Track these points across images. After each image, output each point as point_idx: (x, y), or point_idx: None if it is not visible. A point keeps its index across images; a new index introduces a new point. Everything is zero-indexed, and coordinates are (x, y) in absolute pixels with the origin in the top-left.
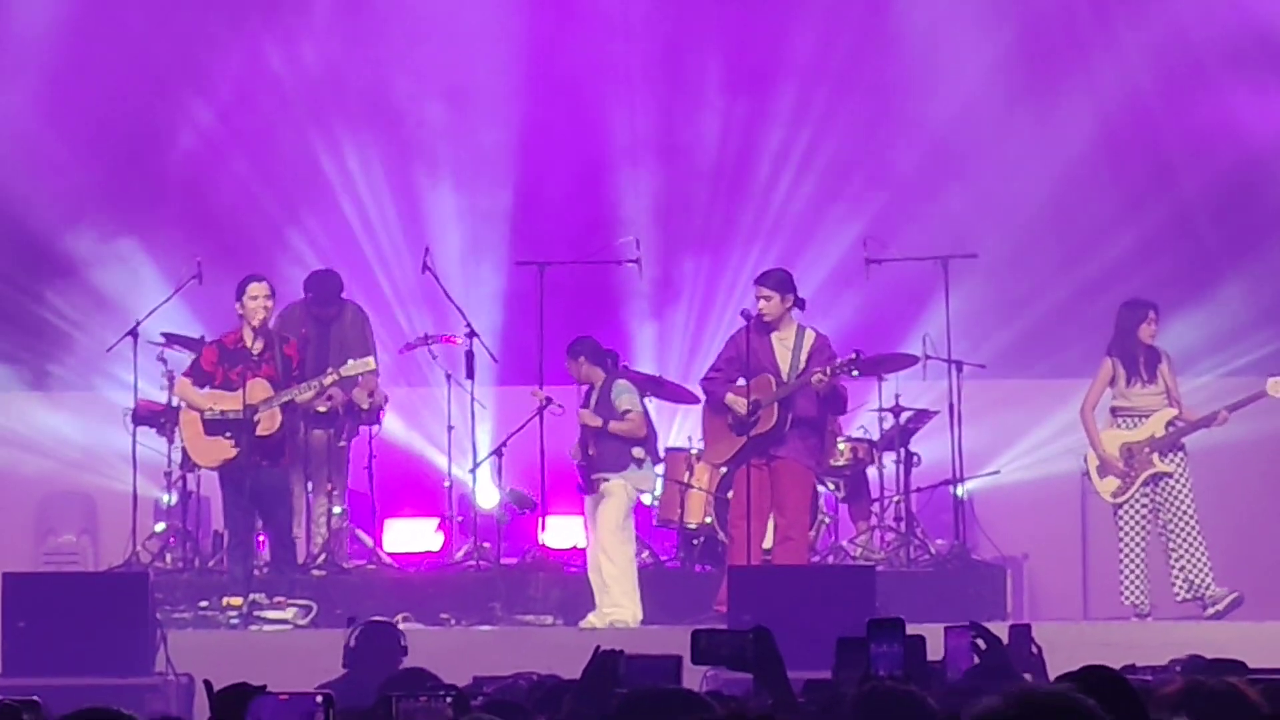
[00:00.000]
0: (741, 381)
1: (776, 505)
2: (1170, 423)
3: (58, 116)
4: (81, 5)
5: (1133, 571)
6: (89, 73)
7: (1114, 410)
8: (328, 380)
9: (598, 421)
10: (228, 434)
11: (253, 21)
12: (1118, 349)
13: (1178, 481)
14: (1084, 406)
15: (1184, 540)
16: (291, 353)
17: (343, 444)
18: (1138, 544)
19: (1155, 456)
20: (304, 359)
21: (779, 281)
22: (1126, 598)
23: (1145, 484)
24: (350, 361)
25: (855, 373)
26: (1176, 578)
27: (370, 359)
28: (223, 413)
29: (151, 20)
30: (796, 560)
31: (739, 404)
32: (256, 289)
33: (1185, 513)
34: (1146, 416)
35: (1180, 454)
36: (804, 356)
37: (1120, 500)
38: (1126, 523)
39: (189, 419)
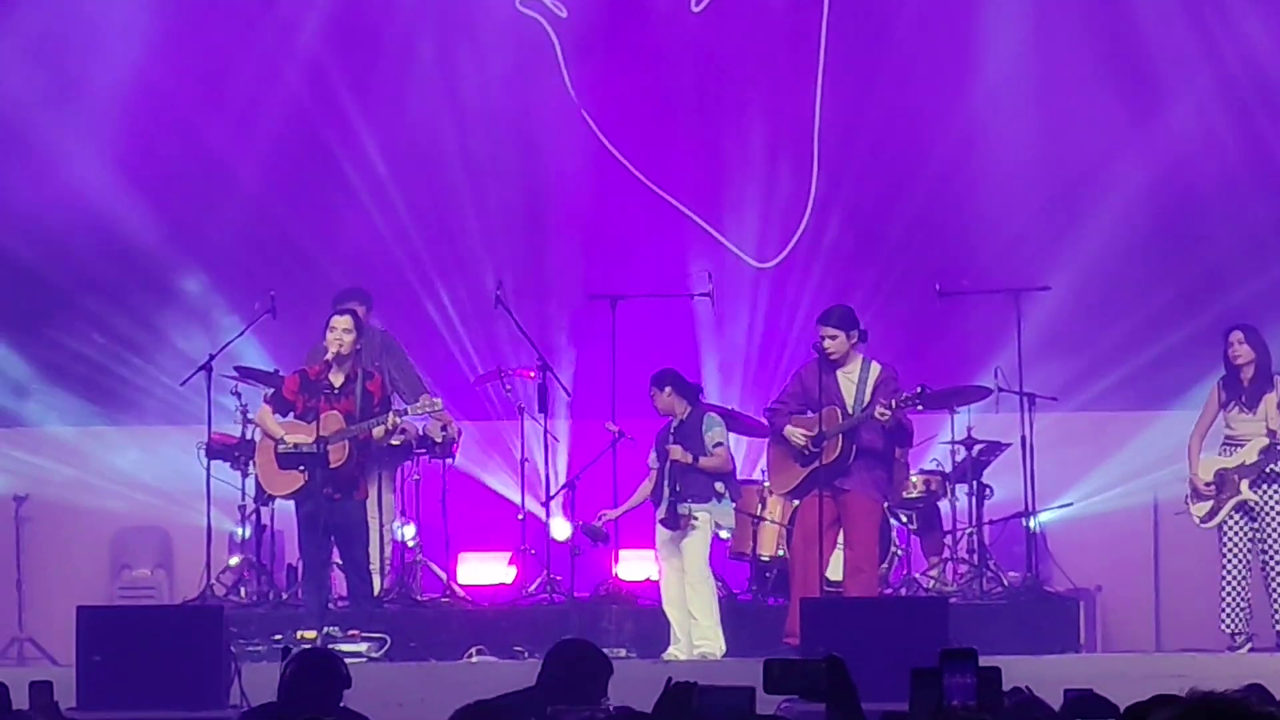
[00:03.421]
0: (809, 414)
1: (846, 538)
2: (1263, 450)
3: (131, 149)
4: (155, 42)
5: (1231, 598)
6: (159, 105)
7: (1225, 438)
8: (393, 420)
9: (689, 458)
10: (301, 468)
11: (324, 59)
12: (1225, 374)
13: (1272, 512)
14: (1193, 432)
15: None
16: (374, 389)
17: (417, 478)
18: (1237, 571)
19: (1244, 484)
20: (386, 395)
21: (841, 318)
22: (1225, 625)
23: (1240, 512)
24: (423, 399)
25: (920, 406)
26: (1278, 609)
27: (438, 400)
28: (296, 446)
29: (222, 56)
30: (868, 593)
31: (795, 436)
32: (338, 321)
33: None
34: (1246, 444)
35: (1275, 486)
36: (869, 389)
37: (1209, 526)
38: (1227, 549)
39: (264, 448)
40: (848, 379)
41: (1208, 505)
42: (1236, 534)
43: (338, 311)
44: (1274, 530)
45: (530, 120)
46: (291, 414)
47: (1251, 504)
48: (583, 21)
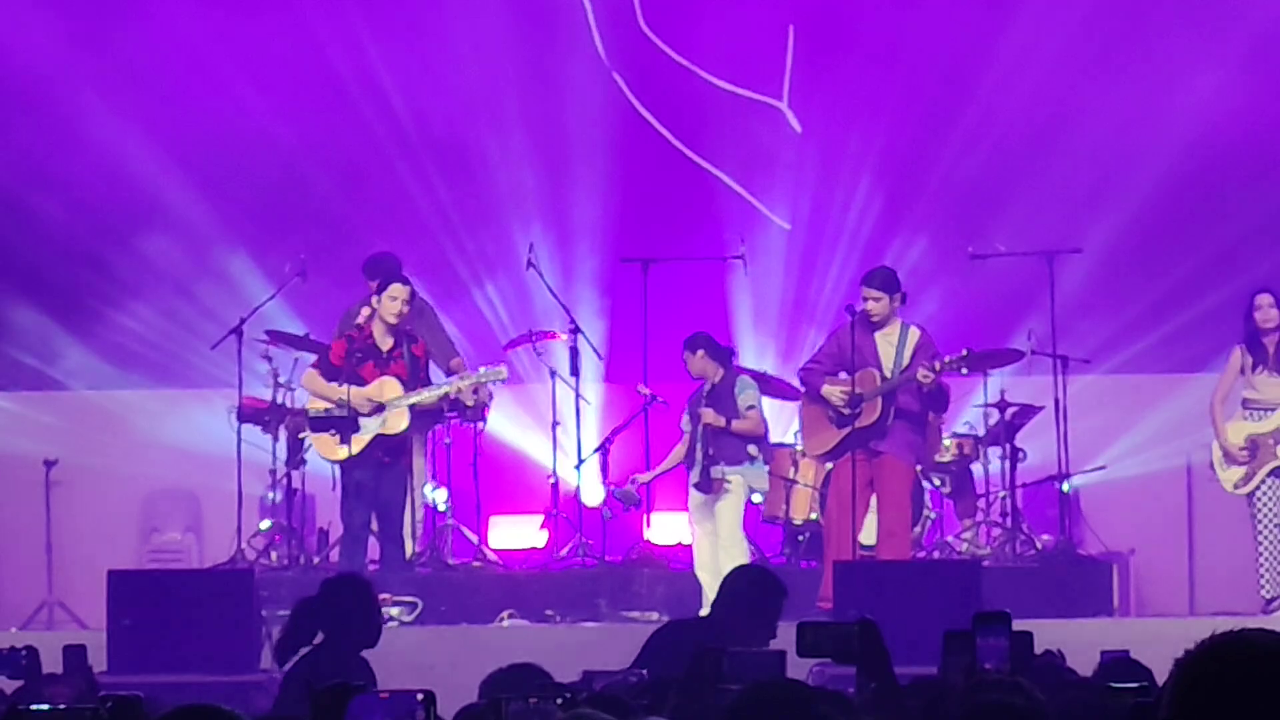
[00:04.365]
0: (843, 375)
1: (880, 501)
2: None
3: (165, 115)
4: (192, 9)
5: (1268, 561)
6: (195, 79)
7: (1244, 401)
8: (457, 386)
9: (721, 421)
10: (332, 431)
11: (358, 29)
12: (1246, 337)
13: None
14: (1214, 396)
15: None
16: (419, 353)
17: (448, 441)
18: (1271, 535)
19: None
20: (429, 360)
21: (885, 280)
22: (1264, 590)
23: (1273, 475)
24: (482, 369)
25: (964, 370)
26: None
27: (503, 368)
28: (327, 410)
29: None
30: (900, 556)
31: (835, 395)
32: (398, 290)
33: None
34: (1273, 409)
35: None
36: (908, 353)
37: (1244, 491)
38: (1262, 514)
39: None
40: (886, 341)
41: (1241, 471)
42: (1270, 497)
43: (397, 279)
44: None
45: (561, 83)
46: (336, 380)
47: None
48: None
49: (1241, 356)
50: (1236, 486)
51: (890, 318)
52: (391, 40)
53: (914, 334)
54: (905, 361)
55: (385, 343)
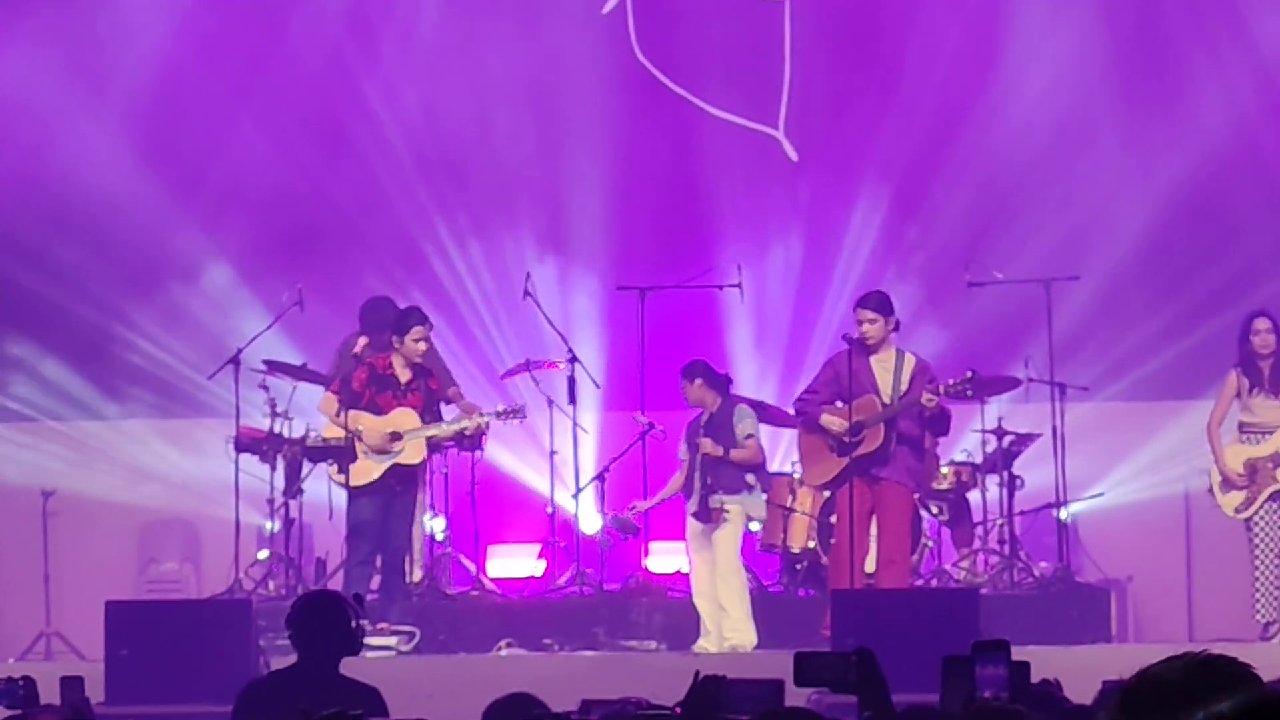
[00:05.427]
0: (839, 404)
1: (881, 528)
2: None
3: (157, 142)
4: (180, 34)
5: (1264, 587)
6: (186, 104)
7: (1241, 425)
8: (474, 422)
9: (719, 450)
10: (330, 461)
11: (351, 58)
12: (1242, 361)
13: None
14: (1210, 421)
15: None
16: (435, 386)
17: (445, 470)
18: (1268, 560)
19: (1279, 473)
20: (444, 395)
21: (880, 304)
22: (1259, 615)
23: (1271, 500)
24: (500, 407)
25: (969, 392)
26: None
27: (523, 407)
28: (324, 440)
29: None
30: (901, 583)
31: (835, 424)
32: (420, 332)
33: None
34: (1271, 432)
35: None
36: (905, 379)
37: (1244, 516)
38: (1259, 539)
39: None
40: (882, 367)
41: (1241, 495)
42: (1269, 522)
43: (419, 321)
44: None
45: (558, 110)
46: (356, 407)
47: None
48: None
49: (1237, 380)
50: (1237, 511)
51: (885, 342)
52: (387, 71)
53: (910, 360)
54: (904, 387)
55: (404, 375)
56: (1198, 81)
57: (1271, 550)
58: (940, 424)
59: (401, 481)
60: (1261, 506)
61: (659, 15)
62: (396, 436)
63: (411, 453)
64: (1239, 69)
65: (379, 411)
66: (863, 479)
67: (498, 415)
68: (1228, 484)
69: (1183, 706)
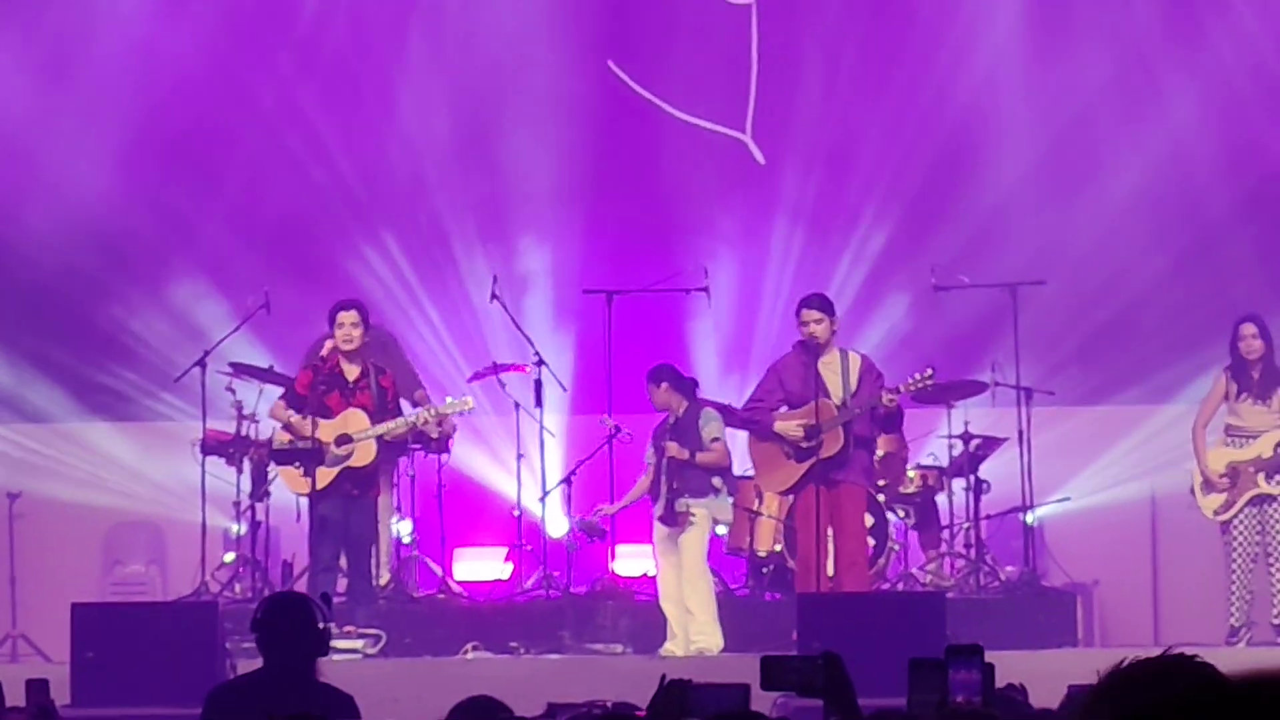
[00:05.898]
0: (784, 409)
1: (839, 529)
2: (1279, 444)
3: (125, 143)
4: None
5: (1239, 590)
6: (158, 97)
7: (1227, 428)
8: (423, 417)
9: (685, 454)
10: (296, 464)
11: (318, 57)
12: (1233, 365)
13: None
14: (1196, 422)
15: None
16: (387, 384)
17: (412, 474)
18: (1244, 564)
19: (1260, 478)
20: (398, 392)
21: (823, 303)
22: (1234, 618)
23: (1251, 504)
24: (449, 400)
25: (929, 386)
26: (1278, 602)
27: (469, 399)
28: (290, 443)
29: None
30: (863, 585)
31: (791, 430)
32: (344, 316)
33: None
34: (1256, 436)
35: None
36: (854, 379)
37: (1223, 519)
38: (1236, 542)
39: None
40: (829, 369)
41: (1221, 498)
42: (1247, 526)
43: (343, 306)
44: None
45: (523, 116)
46: (303, 411)
47: (1268, 496)
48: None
49: (1227, 383)
50: (1216, 513)
51: (830, 343)
52: (354, 73)
53: (855, 359)
54: (853, 387)
55: (351, 373)
56: (1166, 83)
57: (1247, 555)
58: (892, 422)
59: (357, 484)
60: (1240, 510)
61: (626, 19)
62: (345, 439)
63: (362, 454)
64: (1209, 71)
65: (329, 412)
66: (822, 483)
67: (445, 408)
68: (1209, 486)
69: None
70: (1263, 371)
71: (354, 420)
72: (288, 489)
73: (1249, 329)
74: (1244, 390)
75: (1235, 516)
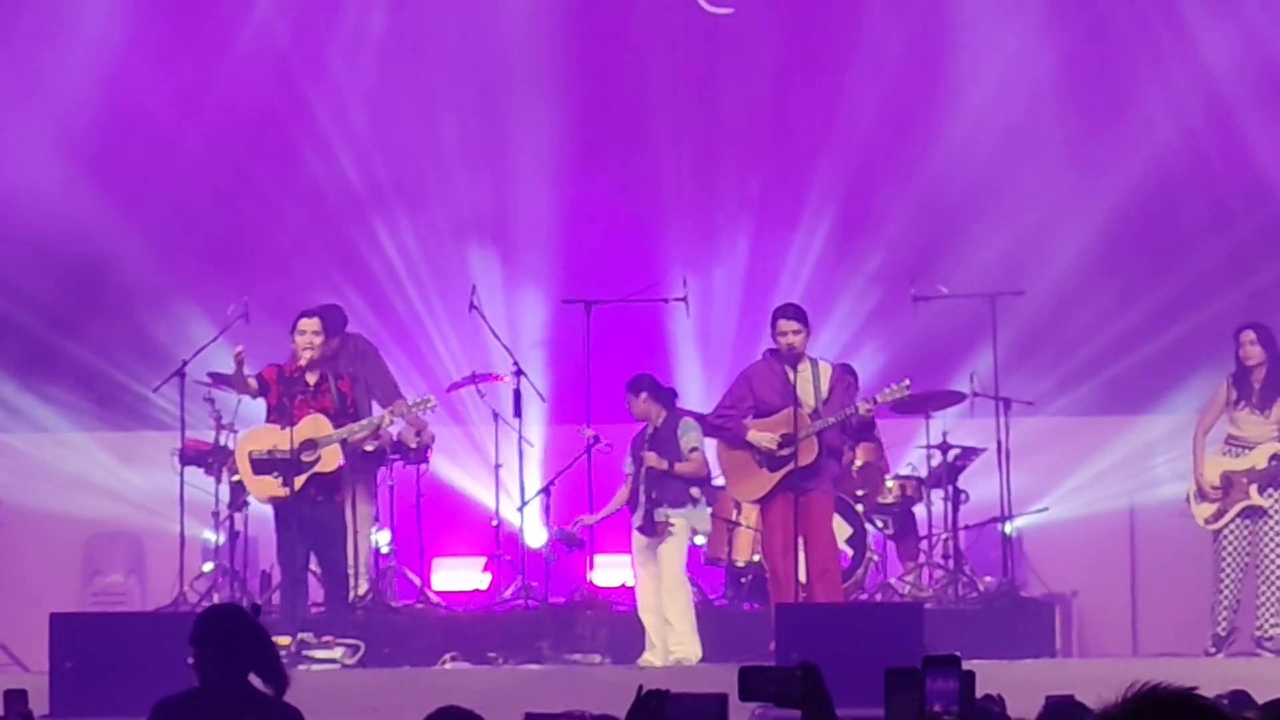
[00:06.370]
0: (756, 418)
1: (810, 539)
2: (1274, 456)
3: (101, 151)
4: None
5: (1227, 601)
6: (131, 114)
7: (1227, 438)
8: (385, 419)
9: (664, 464)
10: (275, 473)
11: (300, 73)
12: (1235, 371)
13: (1275, 518)
14: (1197, 429)
15: (1276, 580)
16: (346, 389)
17: (391, 484)
18: (1233, 575)
19: (1253, 489)
20: (356, 397)
21: (800, 313)
22: (1220, 628)
23: (1242, 515)
24: (411, 399)
25: (907, 393)
26: (1263, 616)
27: (431, 398)
28: (269, 452)
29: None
30: (836, 593)
31: (764, 439)
32: (305, 324)
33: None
34: (1254, 447)
35: None
36: (825, 388)
37: (1214, 528)
38: (1225, 552)
39: (243, 453)
40: (800, 378)
41: (1213, 507)
42: (1238, 536)
43: (304, 314)
44: (1274, 536)
45: (504, 121)
46: (264, 398)
47: (1259, 509)
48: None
49: (1228, 390)
50: (1207, 522)
51: (802, 353)
52: (333, 82)
53: (826, 368)
54: (824, 395)
55: (311, 377)
56: (1144, 93)
57: (1237, 565)
58: (864, 431)
59: (323, 491)
60: (1231, 521)
61: (603, 29)
62: (309, 445)
63: (328, 460)
64: (1185, 80)
65: (292, 417)
66: (794, 492)
67: (410, 408)
68: (1202, 494)
69: None
70: (1264, 381)
71: (316, 426)
72: (254, 496)
73: (1248, 335)
74: (1243, 398)
75: (1226, 526)
